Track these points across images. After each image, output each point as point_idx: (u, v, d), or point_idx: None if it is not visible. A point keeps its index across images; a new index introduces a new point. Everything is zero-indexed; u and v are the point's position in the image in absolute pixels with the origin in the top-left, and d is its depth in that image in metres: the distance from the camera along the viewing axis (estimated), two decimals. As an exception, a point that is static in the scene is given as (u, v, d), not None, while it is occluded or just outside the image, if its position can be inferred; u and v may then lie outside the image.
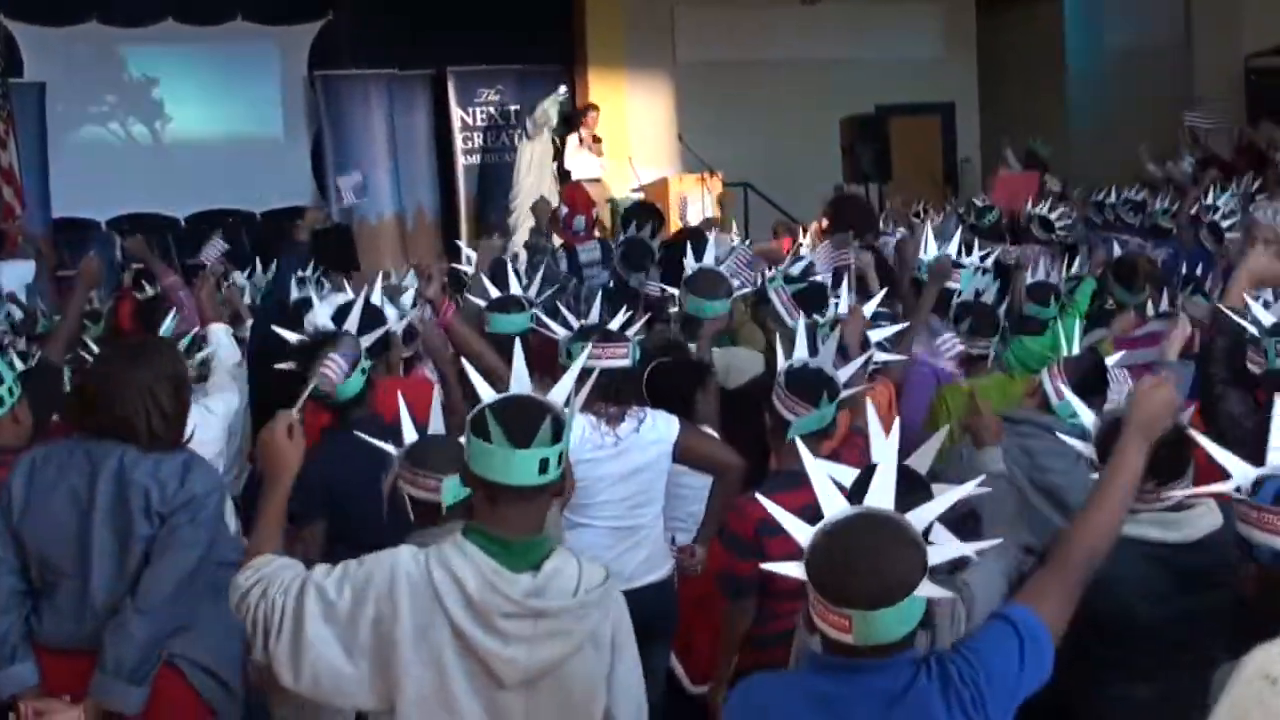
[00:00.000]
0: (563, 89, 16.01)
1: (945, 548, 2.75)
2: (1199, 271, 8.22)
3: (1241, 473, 3.02)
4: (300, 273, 10.64)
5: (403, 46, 16.89)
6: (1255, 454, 3.10)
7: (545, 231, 9.06)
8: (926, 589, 2.61)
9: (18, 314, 9.52)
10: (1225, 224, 9.45)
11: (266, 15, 16.50)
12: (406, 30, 16.84)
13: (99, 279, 6.19)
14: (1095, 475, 3.75)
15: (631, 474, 4.90)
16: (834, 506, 2.75)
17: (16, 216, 14.14)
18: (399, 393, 4.26)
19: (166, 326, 6.34)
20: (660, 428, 4.95)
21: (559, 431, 2.98)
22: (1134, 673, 3.71)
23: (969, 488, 2.94)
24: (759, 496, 3.09)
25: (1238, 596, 3.52)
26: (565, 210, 11.62)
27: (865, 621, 2.57)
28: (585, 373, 4.47)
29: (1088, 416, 3.99)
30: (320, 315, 5.70)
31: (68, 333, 6.44)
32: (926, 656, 2.69)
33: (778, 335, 6.20)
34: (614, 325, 5.19)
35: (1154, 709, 3.63)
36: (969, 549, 2.84)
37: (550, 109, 15.80)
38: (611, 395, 4.84)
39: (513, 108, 16.46)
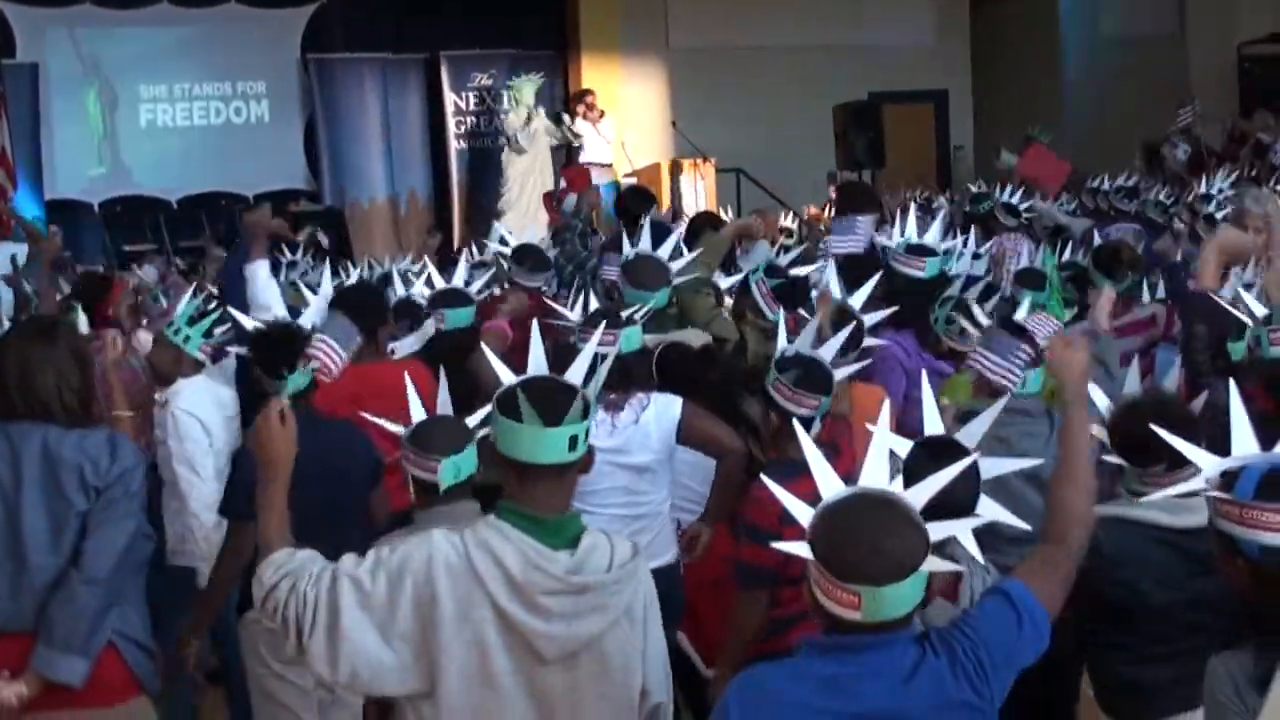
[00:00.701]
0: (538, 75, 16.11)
1: (943, 524, 2.78)
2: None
3: (1210, 464, 3.01)
4: (289, 256, 10.71)
5: (396, 30, 16.92)
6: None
7: (578, 210, 9.10)
8: (931, 563, 2.66)
9: (7, 295, 9.49)
10: (1219, 214, 9.44)
11: (260, -3, 16.49)
12: (400, 14, 16.87)
13: (58, 251, 6.16)
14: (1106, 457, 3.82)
15: (631, 462, 4.94)
16: (832, 489, 2.78)
17: (8, 199, 14.10)
18: (406, 375, 4.33)
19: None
20: (663, 412, 4.99)
21: (587, 408, 3.04)
22: (1143, 656, 3.75)
23: (955, 470, 2.95)
24: (768, 482, 3.08)
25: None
26: (563, 184, 11.59)
27: (875, 598, 2.60)
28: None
29: (1101, 400, 4.05)
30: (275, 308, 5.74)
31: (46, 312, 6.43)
32: (926, 633, 2.74)
33: (750, 329, 6.23)
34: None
35: (1165, 693, 3.66)
36: (965, 525, 2.86)
37: (524, 87, 15.86)
38: (614, 382, 4.82)
39: (542, 80, 16.45)
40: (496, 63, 16.72)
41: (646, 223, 7.09)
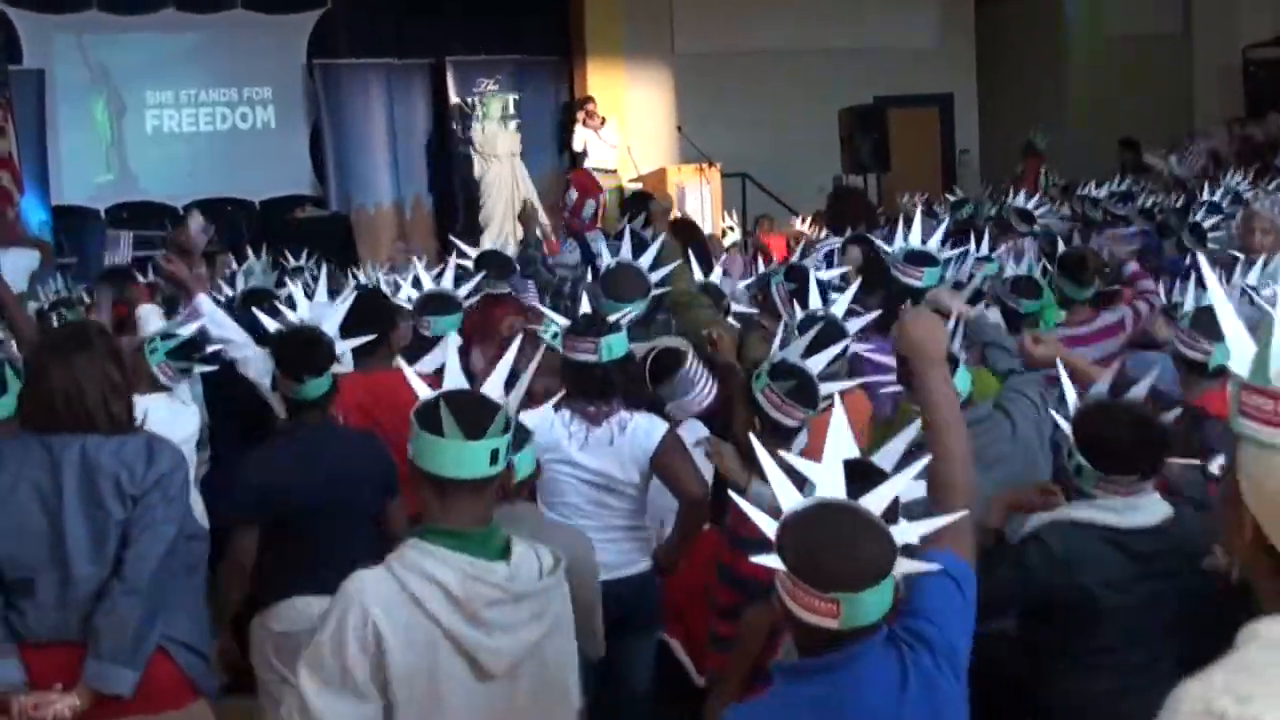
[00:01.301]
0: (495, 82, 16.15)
1: (905, 528, 2.75)
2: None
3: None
4: (294, 262, 10.73)
5: (401, 35, 16.94)
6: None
7: (531, 240, 8.85)
8: (903, 565, 2.65)
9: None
10: (1210, 222, 9.44)
11: (266, 4, 16.51)
12: (405, 20, 16.89)
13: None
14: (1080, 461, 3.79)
15: (600, 481, 4.84)
16: (790, 500, 2.76)
17: (15, 204, 14.13)
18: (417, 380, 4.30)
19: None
20: (642, 439, 4.86)
21: (508, 422, 3.03)
22: (1091, 665, 3.71)
23: (914, 470, 2.94)
24: (736, 498, 3.09)
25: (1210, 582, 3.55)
26: (575, 195, 11.52)
27: (853, 604, 2.57)
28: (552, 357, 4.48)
29: (1071, 395, 4.03)
30: (301, 310, 5.68)
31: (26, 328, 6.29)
32: (892, 633, 2.70)
33: (751, 335, 6.23)
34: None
35: (1112, 703, 3.61)
36: (926, 528, 2.84)
37: (491, 101, 15.93)
38: (593, 393, 4.81)
39: (511, 97, 16.47)
40: (502, 68, 16.74)
41: (626, 231, 7.00)
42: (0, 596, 4.01)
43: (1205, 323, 4.96)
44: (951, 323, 4.93)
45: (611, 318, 5.11)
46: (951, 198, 11.35)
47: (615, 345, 4.87)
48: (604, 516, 4.85)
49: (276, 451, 4.92)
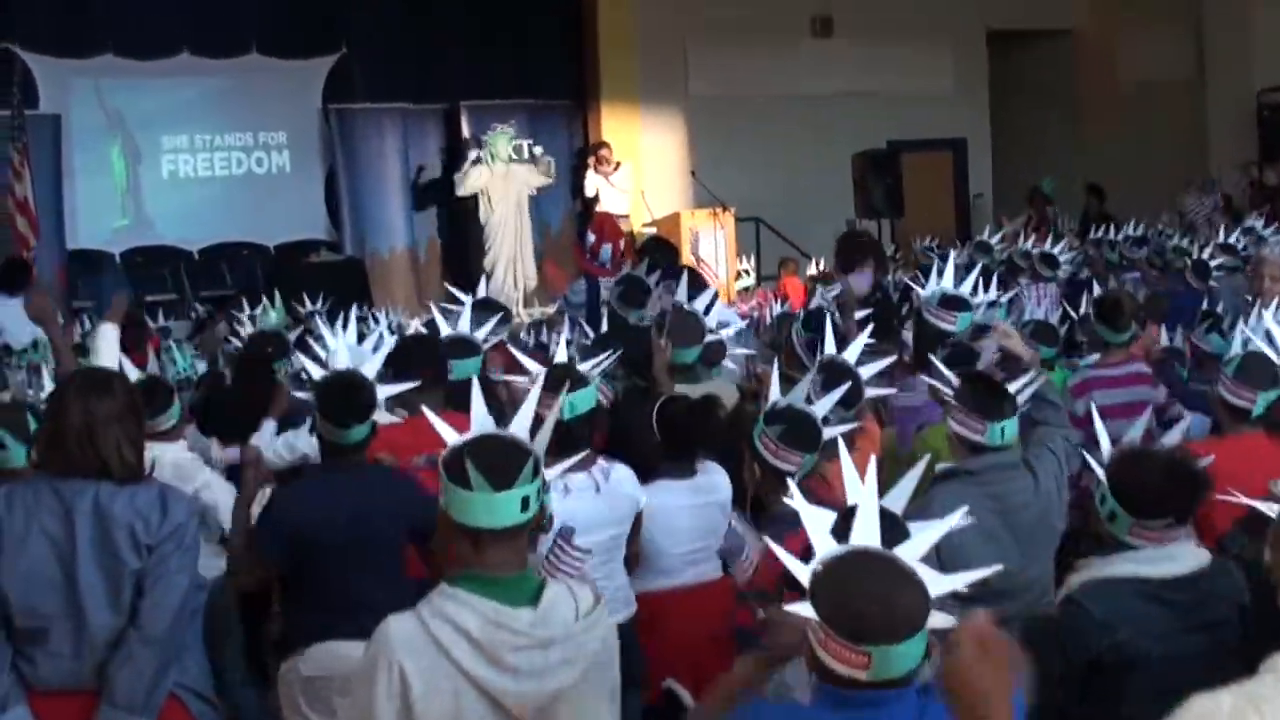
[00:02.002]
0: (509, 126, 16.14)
1: (939, 580, 2.71)
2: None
3: None
4: (309, 306, 10.74)
5: (416, 80, 16.98)
6: None
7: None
8: (935, 619, 2.61)
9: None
10: (1216, 261, 9.44)
11: (281, 49, 16.55)
12: (420, 64, 16.95)
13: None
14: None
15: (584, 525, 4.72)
16: (826, 546, 2.73)
17: (31, 249, 14.16)
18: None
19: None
20: (628, 489, 4.91)
21: (537, 467, 3.02)
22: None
23: (950, 522, 2.92)
24: (771, 545, 3.03)
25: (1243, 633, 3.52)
26: (592, 238, 11.54)
27: (885, 657, 2.54)
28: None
29: (1105, 443, 4.04)
30: (340, 356, 5.65)
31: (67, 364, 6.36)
32: (925, 685, 2.66)
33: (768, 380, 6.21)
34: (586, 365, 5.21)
35: None
36: (959, 581, 2.80)
37: (497, 140, 15.92)
38: (554, 450, 4.75)
39: (526, 142, 16.50)
40: (516, 113, 16.75)
41: (685, 274, 7.10)
42: (10, 645, 4.00)
43: (1251, 370, 5.05)
44: (1026, 380, 4.95)
45: (593, 361, 5.24)
46: (979, 239, 11.37)
47: (579, 402, 4.85)
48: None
49: (306, 490, 4.91)
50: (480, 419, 3.17)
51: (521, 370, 5.62)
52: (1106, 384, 6.37)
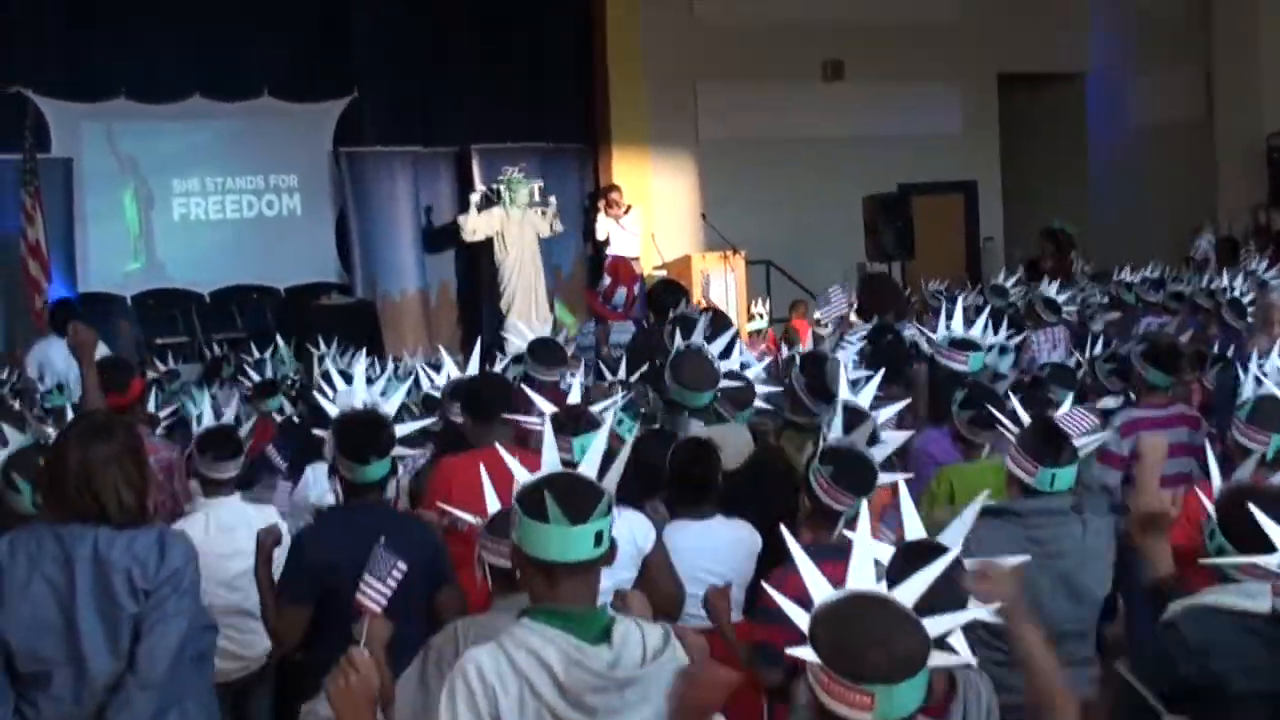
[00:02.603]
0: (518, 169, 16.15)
1: (940, 620, 2.74)
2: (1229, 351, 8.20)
3: None
4: (321, 349, 10.71)
5: (427, 124, 17.02)
6: None
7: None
8: (936, 658, 2.64)
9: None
10: (1249, 298, 9.42)
11: (293, 92, 16.59)
12: (431, 108, 17.00)
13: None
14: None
15: None
16: (822, 591, 2.75)
17: (44, 292, 14.19)
18: (481, 465, 4.24)
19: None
20: (639, 539, 4.91)
21: (610, 504, 3.08)
22: None
23: (940, 566, 2.90)
24: (797, 555, 3.01)
25: None
26: (607, 281, 11.55)
27: (889, 697, 2.54)
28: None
29: (1216, 479, 4.21)
30: (355, 395, 5.63)
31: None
32: None
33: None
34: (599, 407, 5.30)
35: None
36: (958, 619, 2.83)
37: (519, 186, 15.91)
38: None
39: (537, 185, 16.53)
40: (527, 156, 16.78)
41: (705, 315, 7.16)
42: (13, 690, 4.01)
43: (1264, 412, 5.12)
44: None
45: (603, 404, 5.36)
46: (994, 282, 11.39)
47: (589, 444, 4.82)
48: None
49: (329, 529, 4.89)
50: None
51: (531, 410, 5.66)
52: (1150, 424, 6.37)
